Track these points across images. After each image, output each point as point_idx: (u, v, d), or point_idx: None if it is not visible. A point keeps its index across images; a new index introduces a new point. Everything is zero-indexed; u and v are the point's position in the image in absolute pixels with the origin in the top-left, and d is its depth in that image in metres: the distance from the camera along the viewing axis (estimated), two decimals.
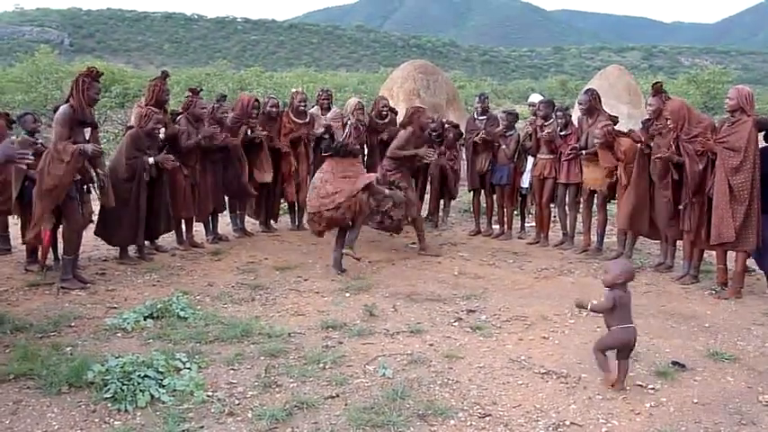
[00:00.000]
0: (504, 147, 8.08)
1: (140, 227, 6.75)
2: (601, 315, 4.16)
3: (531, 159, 7.98)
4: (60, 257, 6.14)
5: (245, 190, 7.80)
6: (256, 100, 8.15)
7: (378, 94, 9.75)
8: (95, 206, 6.54)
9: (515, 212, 8.64)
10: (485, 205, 8.64)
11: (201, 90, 7.79)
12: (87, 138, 5.91)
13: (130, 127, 6.95)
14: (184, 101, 7.60)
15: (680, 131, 6.12)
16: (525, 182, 8.09)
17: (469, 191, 8.80)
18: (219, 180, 7.67)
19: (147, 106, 6.83)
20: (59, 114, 5.72)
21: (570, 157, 7.41)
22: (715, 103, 27.59)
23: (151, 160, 6.66)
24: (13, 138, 6.45)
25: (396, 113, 8.89)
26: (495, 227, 8.59)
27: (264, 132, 7.92)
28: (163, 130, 6.96)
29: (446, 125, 8.53)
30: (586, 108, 7.34)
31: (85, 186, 5.96)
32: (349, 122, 6.81)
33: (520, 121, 8.49)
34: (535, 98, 8.57)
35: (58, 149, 5.62)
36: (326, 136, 7.10)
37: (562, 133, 7.55)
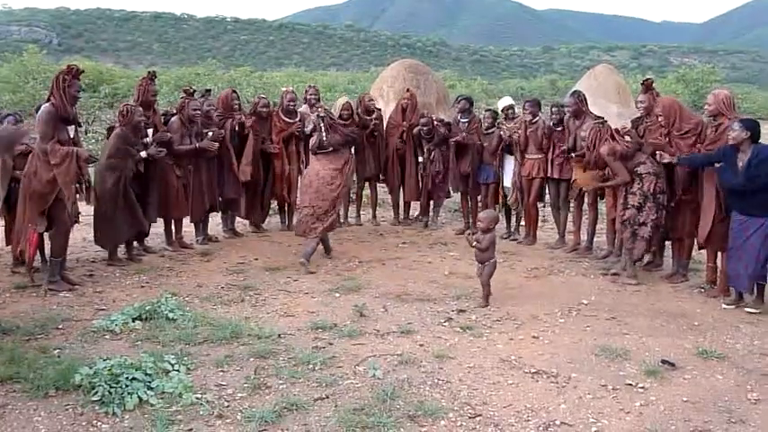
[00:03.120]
0: (485, 144, 8.13)
1: (135, 221, 6.71)
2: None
3: (510, 158, 8.00)
4: (48, 259, 6.09)
5: (237, 190, 7.77)
6: (234, 91, 8.15)
7: (368, 93, 9.74)
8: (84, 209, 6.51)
9: (502, 211, 8.60)
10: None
11: (195, 91, 7.76)
12: (72, 136, 5.86)
13: (112, 128, 6.86)
14: (178, 102, 7.56)
15: (671, 128, 6.15)
16: (507, 181, 8.10)
17: (455, 191, 8.84)
18: (214, 179, 7.62)
19: (126, 104, 6.76)
20: (42, 113, 5.66)
21: (561, 159, 7.42)
22: (704, 102, 27.69)
23: (143, 154, 6.63)
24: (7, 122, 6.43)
25: (380, 110, 8.96)
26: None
27: (250, 120, 7.88)
28: (151, 131, 6.92)
29: (436, 123, 8.54)
30: (573, 111, 7.34)
31: (73, 186, 5.89)
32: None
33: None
34: (505, 102, 8.54)
35: (44, 150, 5.56)
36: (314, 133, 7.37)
37: (559, 129, 7.55)
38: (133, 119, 6.60)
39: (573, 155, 7.12)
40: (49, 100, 5.76)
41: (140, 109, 6.74)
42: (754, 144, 5.49)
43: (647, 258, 6.99)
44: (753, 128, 5.51)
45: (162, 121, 7.27)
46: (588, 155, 6.47)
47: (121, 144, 6.53)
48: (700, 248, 6.26)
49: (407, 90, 9.25)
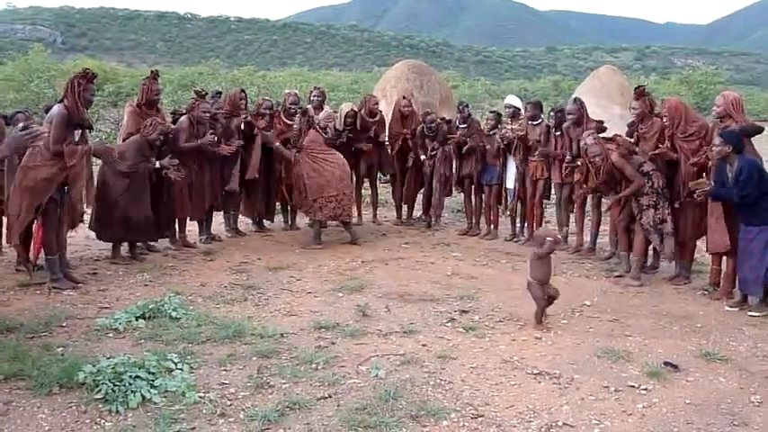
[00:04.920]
0: (488, 147, 8.13)
1: (138, 226, 6.74)
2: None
3: (511, 159, 7.98)
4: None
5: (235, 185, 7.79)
6: (242, 91, 8.17)
7: (373, 96, 9.71)
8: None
9: (507, 213, 8.61)
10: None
11: (206, 94, 7.79)
12: (77, 140, 5.86)
13: (131, 133, 6.87)
14: (188, 103, 7.61)
15: (675, 129, 6.13)
16: (510, 182, 8.09)
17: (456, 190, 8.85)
18: (217, 178, 7.63)
19: (153, 118, 6.81)
20: (56, 116, 5.61)
21: (567, 169, 7.40)
22: (707, 104, 27.84)
23: (157, 164, 6.67)
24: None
25: (381, 113, 8.97)
26: (483, 227, 8.58)
27: (262, 121, 7.91)
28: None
29: (439, 120, 8.56)
30: (576, 119, 7.31)
31: (65, 187, 5.85)
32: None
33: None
34: (508, 100, 8.51)
35: (57, 152, 5.55)
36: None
37: (558, 133, 7.53)
38: (152, 134, 6.72)
39: (579, 162, 7.07)
40: (62, 101, 5.75)
41: (165, 128, 6.88)
42: (740, 155, 5.43)
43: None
44: (735, 140, 5.41)
45: (171, 120, 7.30)
46: (598, 166, 6.42)
47: (137, 152, 6.59)
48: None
49: (404, 97, 9.18)
